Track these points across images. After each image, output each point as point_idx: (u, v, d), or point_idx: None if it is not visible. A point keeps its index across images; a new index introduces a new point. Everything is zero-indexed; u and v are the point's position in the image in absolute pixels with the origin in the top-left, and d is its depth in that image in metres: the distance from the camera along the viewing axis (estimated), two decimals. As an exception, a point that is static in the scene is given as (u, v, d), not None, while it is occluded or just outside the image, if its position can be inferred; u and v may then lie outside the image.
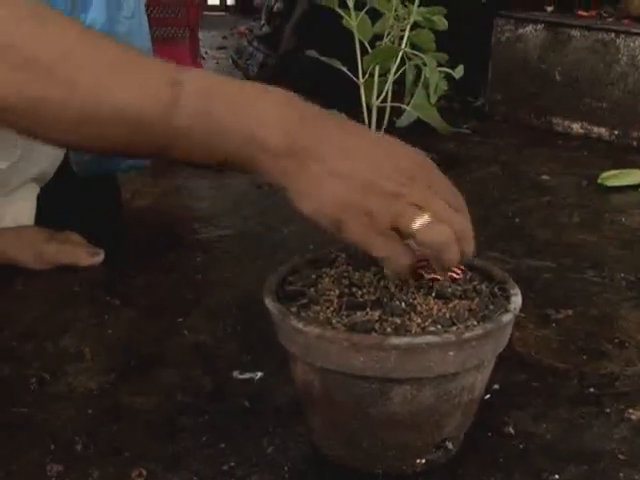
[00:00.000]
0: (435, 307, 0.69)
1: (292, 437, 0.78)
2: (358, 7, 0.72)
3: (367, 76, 0.74)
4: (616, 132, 2.17)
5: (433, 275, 0.71)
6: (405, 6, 0.75)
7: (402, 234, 0.67)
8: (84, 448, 0.77)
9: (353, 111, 0.73)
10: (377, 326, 0.67)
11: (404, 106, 0.75)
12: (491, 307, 0.71)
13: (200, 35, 2.52)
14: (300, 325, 0.67)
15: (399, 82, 0.76)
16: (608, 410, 0.84)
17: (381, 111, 0.75)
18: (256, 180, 1.67)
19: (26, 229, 1.21)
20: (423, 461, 0.72)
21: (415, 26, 0.75)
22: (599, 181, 1.72)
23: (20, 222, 1.21)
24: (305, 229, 1.38)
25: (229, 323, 1.03)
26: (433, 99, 0.74)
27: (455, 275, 0.72)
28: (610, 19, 2.38)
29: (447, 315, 0.68)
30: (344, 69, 0.73)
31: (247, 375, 0.90)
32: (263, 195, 1.62)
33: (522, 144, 2.12)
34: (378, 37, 0.75)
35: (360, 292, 0.72)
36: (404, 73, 0.75)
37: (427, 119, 0.74)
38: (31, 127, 0.67)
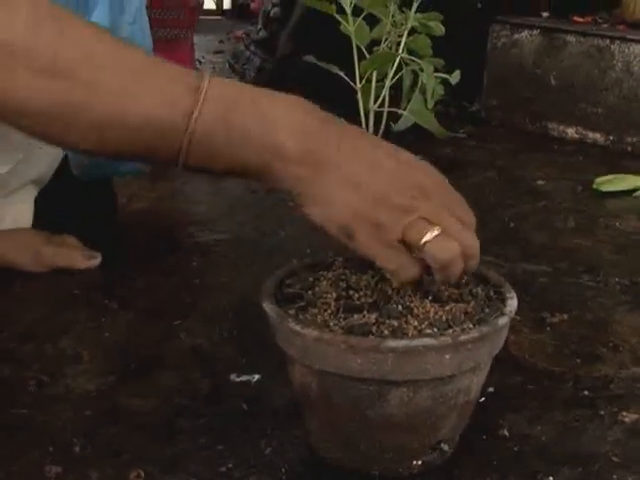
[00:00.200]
0: (431, 310, 0.70)
1: (290, 439, 0.79)
2: (356, 13, 0.72)
3: (364, 81, 0.74)
4: (611, 137, 2.18)
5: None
6: (402, 12, 0.75)
7: (410, 247, 0.67)
8: (82, 449, 0.77)
9: (350, 116, 0.73)
10: (374, 329, 0.67)
11: (401, 111, 0.75)
12: (487, 310, 0.71)
13: (196, 39, 2.54)
14: (298, 327, 0.67)
15: (396, 87, 0.76)
16: (602, 413, 0.85)
17: (378, 116, 0.75)
18: (251, 185, 1.68)
19: (24, 232, 1.21)
20: (419, 462, 0.72)
21: (412, 32, 0.75)
22: (594, 186, 1.73)
23: (18, 224, 1.22)
24: (301, 233, 1.40)
25: (226, 326, 1.03)
26: (430, 104, 0.74)
27: None
28: (605, 25, 2.39)
29: (443, 318, 0.69)
30: (342, 74, 0.74)
31: (244, 378, 0.91)
32: (259, 199, 1.62)
33: (518, 149, 2.14)
34: (375, 42, 0.76)
35: (357, 295, 0.72)
36: (401, 78, 0.75)
37: (424, 124, 0.75)
38: (51, 131, 0.67)
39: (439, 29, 0.76)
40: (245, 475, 0.74)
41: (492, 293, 0.75)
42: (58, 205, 1.26)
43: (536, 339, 1.01)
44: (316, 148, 0.66)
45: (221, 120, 0.65)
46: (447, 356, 0.66)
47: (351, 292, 0.73)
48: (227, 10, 6.64)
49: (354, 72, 0.74)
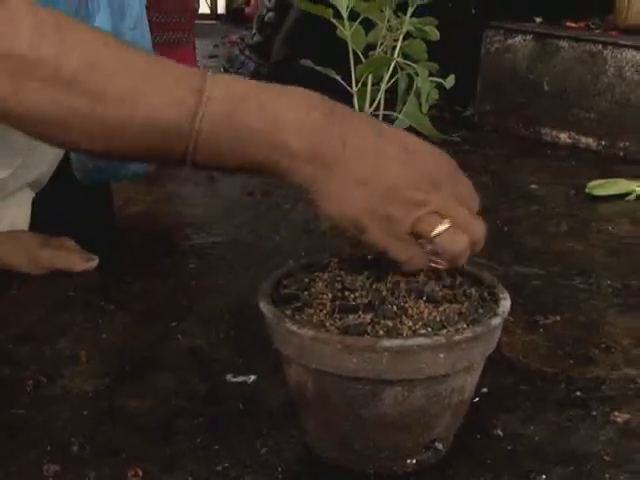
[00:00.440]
0: (426, 311, 0.71)
1: (285, 439, 0.80)
2: (352, 17, 0.73)
3: (360, 85, 0.75)
4: (603, 142, 2.20)
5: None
6: (398, 17, 0.76)
7: (420, 238, 0.69)
8: (80, 449, 0.78)
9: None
10: (369, 329, 0.68)
11: (396, 114, 0.76)
12: (480, 311, 0.72)
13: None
14: (294, 327, 0.68)
15: (391, 91, 0.77)
16: (594, 413, 0.86)
17: (374, 119, 0.76)
18: (247, 188, 1.69)
19: (21, 234, 1.22)
20: (414, 461, 0.73)
21: (407, 36, 0.76)
22: (586, 190, 1.74)
23: (15, 227, 1.22)
24: (296, 236, 1.40)
25: (222, 328, 1.04)
26: (424, 108, 0.75)
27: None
28: (598, 31, 2.40)
29: (437, 318, 0.70)
30: (338, 78, 0.75)
31: (240, 378, 0.91)
32: (255, 202, 1.63)
33: (511, 154, 2.15)
34: (371, 47, 0.77)
35: (353, 296, 0.73)
36: (396, 82, 0.76)
37: (418, 127, 0.76)
38: (59, 137, 0.68)
39: (434, 34, 0.77)
40: (241, 474, 0.75)
41: (486, 294, 0.76)
42: (55, 208, 1.27)
43: (529, 341, 1.02)
44: (321, 144, 0.67)
45: (226, 119, 0.66)
46: (441, 356, 0.67)
47: (346, 293, 0.73)
48: (221, 14, 6.64)
49: (349, 76, 0.74)
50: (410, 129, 0.75)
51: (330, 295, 0.73)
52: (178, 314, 1.08)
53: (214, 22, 6.28)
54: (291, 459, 0.77)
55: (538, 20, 2.53)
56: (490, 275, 0.79)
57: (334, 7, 0.72)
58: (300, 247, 1.30)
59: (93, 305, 1.11)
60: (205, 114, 0.66)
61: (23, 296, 1.14)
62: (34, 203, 1.25)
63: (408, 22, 0.75)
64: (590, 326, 1.07)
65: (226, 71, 2.87)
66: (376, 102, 0.76)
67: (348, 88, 0.75)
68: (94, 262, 1.22)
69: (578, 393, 0.90)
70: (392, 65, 0.75)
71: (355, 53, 0.74)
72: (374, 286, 0.74)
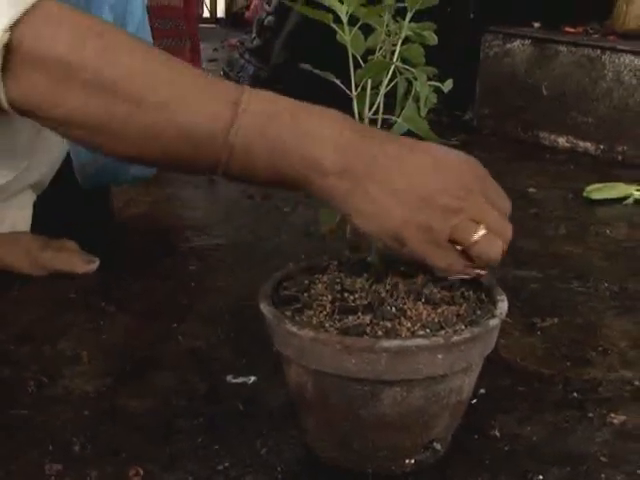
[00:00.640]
0: (424, 312, 0.72)
1: (285, 439, 0.80)
2: (351, 22, 0.74)
3: (359, 89, 0.76)
4: (601, 146, 2.21)
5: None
6: (396, 21, 0.77)
7: (457, 244, 0.70)
8: (82, 448, 0.79)
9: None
10: (368, 330, 0.69)
11: (395, 118, 0.77)
12: (478, 312, 0.73)
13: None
14: (294, 328, 0.69)
15: (390, 95, 0.78)
16: (591, 414, 0.86)
17: (373, 123, 0.77)
18: (248, 190, 1.69)
19: (22, 236, 1.23)
20: (412, 461, 0.74)
21: (406, 41, 0.77)
22: (585, 194, 1.75)
23: (16, 229, 1.23)
24: (296, 238, 1.41)
25: (223, 329, 1.05)
26: (423, 112, 0.76)
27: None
28: (596, 36, 2.41)
29: (436, 320, 0.71)
30: (338, 82, 0.75)
31: (241, 379, 0.92)
32: (255, 205, 1.64)
33: (510, 157, 2.16)
34: (370, 51, 0.77)
35: (352, 297, 0.74)
36: (395, 86, 0.77)
37: (417, 131, 0.76)
38: (96, 140, 0.69)
39: (432, 38, 0.77)
40: (241, 474, 0.75)
41: (483, 296, 0.77)
42: (56, 210, 1.28)
43: (527, 343, 1.03)
44: (354, 161, 0.67)
45: (260, 133, 0.67)
46: (439, 356, 0.68)
47: (346, 294, 0.75)
48: (221, 18, 6.65)
49: (348, 80, 0.75)
50: (408, 133, 0.76)
51: (330, 297, 0.74)
52: (178, 315, 1.09)
53: (214, 26, 6.29)
54: (291, 459, 0.78)
55: (537, 25, 2.54)
56: (488, 277, 0.79)
57: (334, 12, 0.73)
58: (300, 249, 1.31)
59: (94, 306, 1.12)
60: (240, 127, 0.67)
61: (24, 297, 1.15)
62: (35, 205, 1.26)
63: (407, 27, 0.76)
64: (587, 328, 1.08)
65: (226, 75, 2.88)
66: (375, 106, 0.76)
67: (347, 92, 0.75)
68: (95, 264, 1.22)
69: (575, 394, 0.91)
70: (391, 69, 0.75)
71: (354, 57, 0.75)
72: (373, 288, 0.75)
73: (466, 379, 0.72)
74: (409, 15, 0.76)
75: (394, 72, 0.76)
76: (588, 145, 2.24)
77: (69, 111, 0.67)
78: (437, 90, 0.77)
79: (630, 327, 1.09)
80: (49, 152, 1.20)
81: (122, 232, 1.43)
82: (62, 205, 1.29)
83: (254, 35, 2.89)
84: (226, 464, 0.77)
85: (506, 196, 0.73)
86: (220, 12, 6.75)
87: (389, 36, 0.77)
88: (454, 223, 0.68)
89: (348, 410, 0.71)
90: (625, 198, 1.73)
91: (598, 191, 1.75)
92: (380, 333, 0.69)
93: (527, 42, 2.36)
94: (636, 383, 0.93)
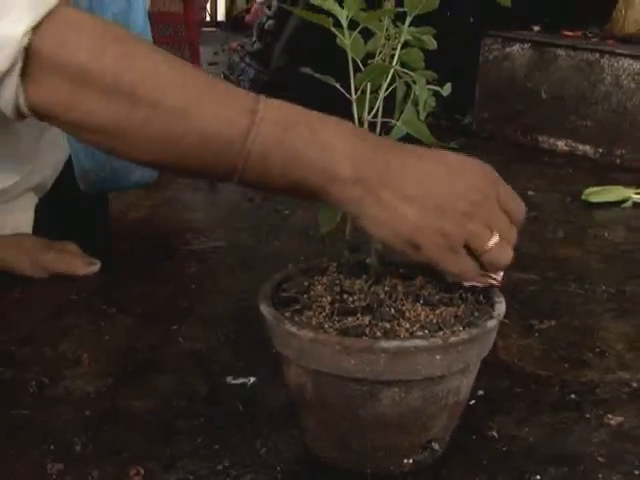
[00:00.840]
0: (422, 313, 0.72)
1: (285, 439, 0.81)
2: (351, 27, 0.75)
3: (359, 93, 0.76)
4: (600, 150, 2.22)
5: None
6: (396, 26, 0.77)
7: (471, 250, 0.70)
8: (83, 448, 0.79)
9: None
10: (367, 330, 0.70)
11: (394, 121, 0.77)
12: (476, 314, 0.74)
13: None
14: (294, 329, 0.69)
15: (389, 99, 0.78)
16: (588, 415, 0.87)
17: (372, 126, 0.78)
18: (247, 193, 1.70)
19: (24, 238, 1.23)
20: (410, 461, 0.74)
21: (405, 45, 0.77)
22: (583, 197, 1.76)
23: (18, 231, 1.24)
24: (296, 241, 1.42)
25: (223, 331, 1.05)
26: (422, 115, 0.77)
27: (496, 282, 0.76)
28: (595, 39, 2.43)
29: (434, 321, 0.71)
30: (337, 85, 0.76)
31: (240, 380, 0.93)
32: (254, 208, 1.65)
33: (509, 161, 2.16)
34: (370, 55, 0.78)
35: (351, 299, 0.75)
36: (394, 90, 0.78)
37: (416, 134, 0.77)
38: (113, 145, 0.70)
39: (431, 43, 0.78)
40: (241, 474, 0.76)
41: (481, 297, 0.77)
42: (58, 213, 1.29)
43: (524, 344, 1.04)
44: (367, 170, 0.68)
45: (277, 141, 0.68)
46: (437, 357, 0.68)
47: (345, 296, 0.75)
48: (221, 22, 6.67)
49: (348, 83, 0.76)
50: (407, 136, 0.77)
51: (329, 298, 0.75)
52: (179, 317, 1.10)
53: (214, 29, 6.30)
54: (290, 459, 0.78)
55: (536, 29, 2.55)
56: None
57: (334, 16, 0.74)
58: (299, 252, 1.32)
59: (95, 308, 1.12)
60: (258, 135, 0.68)
61: (26, 299, 1.16)
62: (37, 208, 1.27)
63: (406, 31, 0.76)
64: (585, 330, 1.09)
65: (226, 78, 2.89)
66: (374, 110, 0.77)
67: (347, 95, 0.76)
68: (96, 266, 1.23)
69: (572, 396, 0.91)
70: (390, 73, 0.76)
71: (354, 61, 0.75)
72: (372, 289, 0.75)
73: (464, 380, 0.73)
74: (408, 19, 0.77)
75: (393, 76, 0.77)
76: (587, 148, 2.25)
77: (88, 115, 0.68)
78: (436, 94, 0.77)
79: (627, 329, 1.09)
80: (51, 155, 1.20)
81: (123, 235, 1.44)
82: (64, 208, 1.29)
83: (254, 39, 2.89)
84: (226, 464, 0.77)
85: (520, 200, 0.74)
86: (220, 16, 6.77)
87: (389, 40, 0.77)
88: (470, 228, 0.69)
89: (347, 410, 0.71)
90: (623, 201, 1.74)
91: (596, 194, 1.76)
92: (379, 334, 0.69)
93: (526, 46, 2.37)
94: (633, 385, 0.94)
